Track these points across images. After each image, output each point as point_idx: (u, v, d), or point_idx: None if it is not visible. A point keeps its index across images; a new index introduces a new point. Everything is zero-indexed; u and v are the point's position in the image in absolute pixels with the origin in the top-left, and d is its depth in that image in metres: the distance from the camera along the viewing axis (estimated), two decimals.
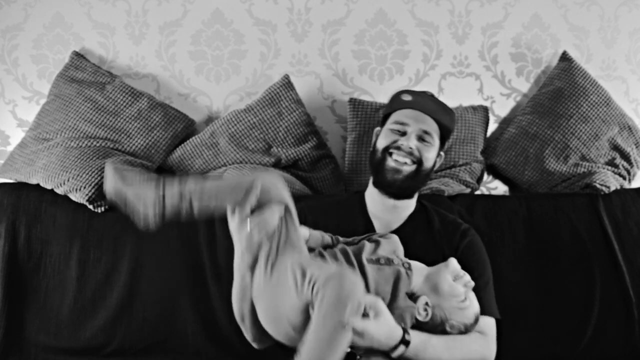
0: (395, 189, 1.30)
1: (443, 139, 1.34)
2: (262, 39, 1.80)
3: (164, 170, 1.72)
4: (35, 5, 1.80)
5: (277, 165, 1.67)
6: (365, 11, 1.80)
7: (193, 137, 1.70)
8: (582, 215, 1.58)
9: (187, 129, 1.73)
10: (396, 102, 1.35)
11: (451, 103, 1.78)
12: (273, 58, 1.80)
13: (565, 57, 1.77)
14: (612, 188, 1.63)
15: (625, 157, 1.73)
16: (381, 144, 1.31)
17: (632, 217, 1.59)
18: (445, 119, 1.33)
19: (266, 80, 1.78)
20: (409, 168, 1.28)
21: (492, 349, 1.19)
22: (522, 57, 1.82)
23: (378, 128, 1.40)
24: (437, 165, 1.37)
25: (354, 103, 1.71)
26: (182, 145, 1.70)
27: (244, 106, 1.71)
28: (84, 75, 1.71)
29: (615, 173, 1.71)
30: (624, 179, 1.72)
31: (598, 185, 1.62)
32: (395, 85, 1.80)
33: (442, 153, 1.36)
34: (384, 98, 1.80)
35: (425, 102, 1.32)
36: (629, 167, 1.73)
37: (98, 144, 1.63)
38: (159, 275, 1.50)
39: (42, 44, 1.80)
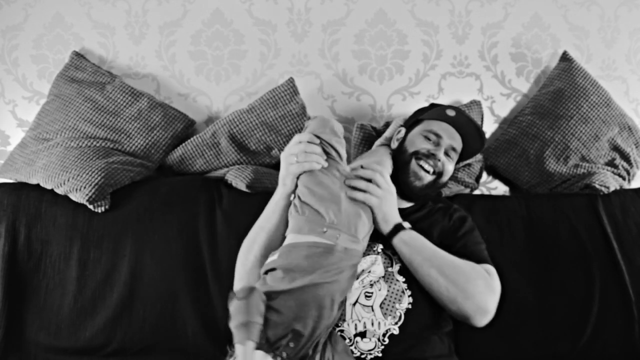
0: (410, 193, 1.37)
1: (460, 156, 1.42)
2: (262, 39, 1.80)
3: (163, 170, 1.72)
4: (35, 5, 1.80)
5: (278, 167, 1.66)
6: (365, 11, 1.80)
7: (194, 137, 1.70)
8: (581, 215, 1.58)
9: (187, 129, 1.73)
10: (436, 113, 1.40)
11: (451, 103, 1.78)
12: (273, 58, 1.80)
13: (565, 57, 1.77)
14: (612, 188, 1.63)
15: (625, 157, 1.73)
16: (412, 146, 1.36)
17: (632, 216, 1.59)
18: (474, 142, 1.40)
19: (266, 80, 1.78)
20: (429, 177, 1.36)
21: (496, 284, 1.25)
22: (522, 57, 1.82)
23: (403, 129, 1.44)
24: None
25: (363, 130, 1.67)
26: (184, 144, 1.69)
27: (245, 106, 1.71)
28: (84, 75, 1.71)
29: (615, 173, 1.71)
30: (624, 179, 1.72)
31: (597, 186, 1.62)
32: (395, 85, 1.80)
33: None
34: (383, 99, 1.80)
35: (465, 123, 1.38)
36: (628, 168, 1.73)
37: (98, 144, 1.63)
38: (159, 276, 1.50)
39: (42, 44, 1.80)
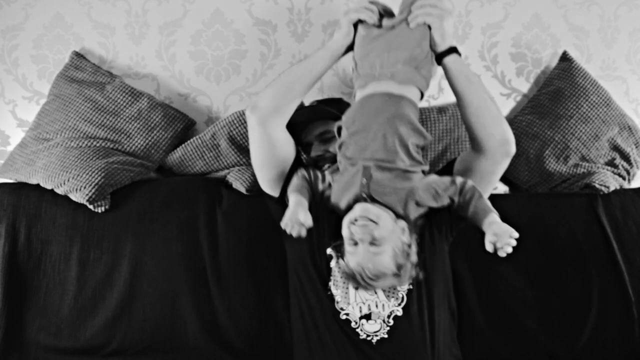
0: None
1: None
2: (262, 39, 1.80)
3: (163, 170, 1.72)
4: (35, 5, 1.80)
5: None
6: None
7: (194, 138, 1.69)
8: (581, 215, 1.58)
9: (187, 129, 1.73)
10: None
11: (451, 103, 1.78)
12: (273, 58, 1.80)
13: (565, 57, 1.77)
14: (612, 188, 1.63)
15: (625, 157, 1.73)
16: None
17: (631, 216, 1.60)
18: None
19: (266, 80, 1.78)
20: None
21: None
22: (522, 57, 1.82)
23: None
24: None
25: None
26: (183, 145, 1.69)
27: (246, 107, 1.71)
28: (84, 75, 1.71)
29: (615, 173, 1.71)
30: (624, 179, 1.72)
31: (597, 186, 1.62)
32: None
33: None
34: None
35: None
36: (628, 168, 1.73)
37: (98, 144, 1.63)
38: (159, 275, 1.50)
39: (42, 44, 1.80)
